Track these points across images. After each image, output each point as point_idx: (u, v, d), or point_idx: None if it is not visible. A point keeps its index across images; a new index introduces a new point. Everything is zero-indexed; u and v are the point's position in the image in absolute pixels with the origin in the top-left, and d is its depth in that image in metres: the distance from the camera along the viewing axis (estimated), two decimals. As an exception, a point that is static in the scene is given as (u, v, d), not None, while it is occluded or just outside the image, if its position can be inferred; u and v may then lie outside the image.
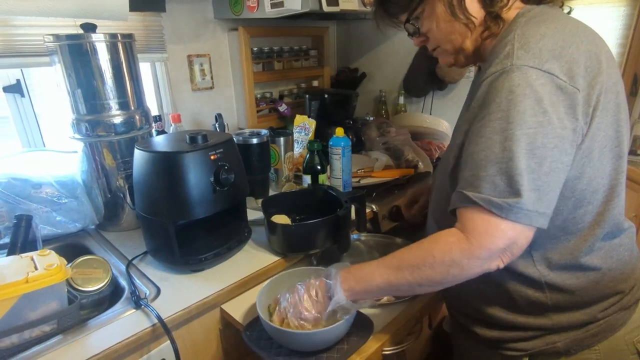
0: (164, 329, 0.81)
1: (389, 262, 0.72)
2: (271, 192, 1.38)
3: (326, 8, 1.33)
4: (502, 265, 0.66)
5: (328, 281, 0.77)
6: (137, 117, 1.16)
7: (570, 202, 0.70)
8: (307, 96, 1.82)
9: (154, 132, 1.31)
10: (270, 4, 1.39)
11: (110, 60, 1.07)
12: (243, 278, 0.97)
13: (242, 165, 1.05)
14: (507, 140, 0.61)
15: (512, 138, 0.61)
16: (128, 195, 1.20)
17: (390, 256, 0.73)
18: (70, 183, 1.16)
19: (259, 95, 1.87)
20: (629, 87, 1.63)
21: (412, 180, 1.50)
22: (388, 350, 0.86)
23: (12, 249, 0.95)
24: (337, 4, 1.36)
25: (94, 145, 1.13)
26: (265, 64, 1.85)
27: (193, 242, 1.02)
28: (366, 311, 0.89)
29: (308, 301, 0.77)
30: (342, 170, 1.32)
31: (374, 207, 1.31)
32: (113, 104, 1.11)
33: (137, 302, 0.86)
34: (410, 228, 1.22)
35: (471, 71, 1.76)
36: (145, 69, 1.55)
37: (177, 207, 0.93)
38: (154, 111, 1.48)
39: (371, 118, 1.92)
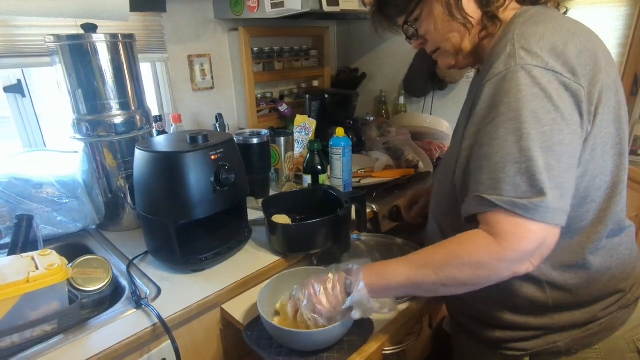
0: (164, 328, 0.81)
1: (413, 260, 0.71)
2: (271, 192, 1.38)
3: (326, 8, 1.33)
4: (531, 269, 0.64)
5: (348, 277, 0.75)
6: (138, 117, 1.17)
7: (575, 199, 0.69)
8: (307, 96, 1.83)
9: (154, 132, 1.31)
10: (271, 4, 1.39)
11: (111, 60, 1.08)
12: (243, 278, 0.97)
13: (243, 165, 1.05)
14: (523, 139, 0.61)
15: (528, 137, 0.61)
16: (129, 195, 1.20)
17: (415, 254, 0.72)
18: (71, 183, 1.16)
19: (259, 95, 1.88)
20: (630, 87, 1.63)
21: (413, 180, 1.51)
22: (388, 350, 0.86)
23: (13, 249, 0.95)
24: (337, 4, 1.36)
25: (94, 145, 1.13)
26: (265, 64, 1.85)
27: (194, 242, 1.02)
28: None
29: (324, 295, 0.75)
30: (342, 170, 1.32)
31: (374, 207, 1.31)
32: (114, 104, 1.11)
33: (138, 301, 0.86)
34: (410, 228, 1.22)
35: (471, 71, 1.76)
36: (145, 69, 1.56)
37: (178, 207, 0.93)
38: (154, 111, 1.48)
39: (371, 118, 1.92)
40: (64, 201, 1.13)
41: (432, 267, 0.68)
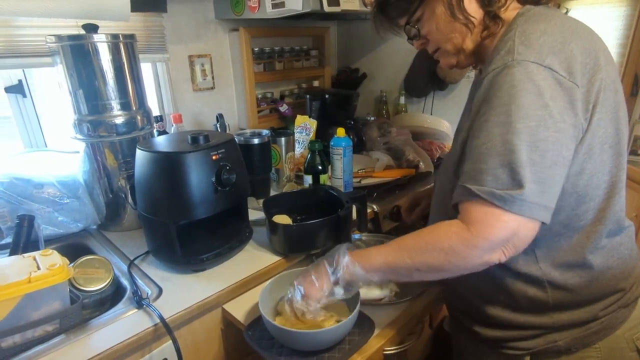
0: (165, 328, 0.81)
1: (391, 245, 0.74)
2: (272, 192, 1.38)
3: (327, 8, 1.33)
4: (503, 259, 0.66)
5: (330, 259, 0.78)
6: (139, 117, 1.17)
7: (572, 198, 0.70)
8: (308, 96, 1.83)
9: (155, 132, 1.31)
10: (272, 4, 1.40)
11: (112, 60, 1.08)
12: (244, 278, 0.98)
13: (244, 165, 1.05)
14: (509, 133, 0.62)
15: (514, 131, 0.61)
16: (129, 195, 1.20)
17: (394, 240, 0.75)
18: (72, 183, 1.16)
19: (259, 96, 1.88)
20: (630, 87, 1.63)
21: (413, 181, 1.51)
22: (389, 350, 0.86)
23: (15, 249, 0.95)
24: (338, 4, 1.36)
25: (95, 145, 1.14)
26: (266, 64, 1.85)
27: (194, 242, 1.02)
28: (367, 311, 0.89)
29: (309, 279, 0.78)
30: (343, 170, 1.32)
31: (375, 207, 1.31)
32: (115, 104, 1.11)
33: (139, 302, 0.86)
34: (411, 228, 1.22)
35: (472, 71, 1.76)
36: (146, 69, 1.56)
37: (179, 207, 0.93)
38: (155, 111, 1.48)
39: (372, 118, 1.92)
40: (65, 201, 1.13)
41: (407, 251, 0.71)
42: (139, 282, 0.96)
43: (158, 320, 0.82)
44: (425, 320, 1.04)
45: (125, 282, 0.97)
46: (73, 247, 1.14)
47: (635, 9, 1.55)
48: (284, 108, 1.87)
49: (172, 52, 1.56)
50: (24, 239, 0.97)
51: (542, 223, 0.64)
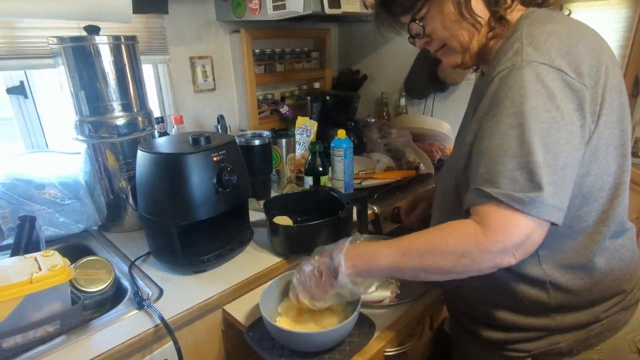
0: (166, 329, 0.81)
1: (398, 244, 0.72)
2: (273, 194, 1.38)
3: (328, 10, 1.33)
4: (513, 262, 0.65)
5: (331, 260, 0.76)
6: (140, 118, 1.17)
7: (577, 199, 0.70)
8: (308, 98, 1.83)
9: (156, 133, 1.31)
10: (273, 6, 1.40)
11: (114, 62, 1.08)
12: (245, 279, 0.98)
13: (245, 166, 1.05)
14: (524, 134, 0.61)
15: (529, 132, 0.61)
16: (130, 197, 1.20)
17: (401, 238, 0.73)
18: (73, 184, 1.16)
19: (260, 97, 1.88)
20: (631, 89, 1.64)
21: (414, 182, 1.51)
22: (390, 352, 0.86)
23: (16, 250, 0.95)
24: (339, 6, 1.37)
25: (96, 146, 1.14)
26: (267, 65, 1.85)
27: (195, 243, 1.02)
28: (368, 312, 0.89)
29: (313, 280, 0.78)
30: (343, 171, 1.33)
31: (375, 208, 1.31)
32: (116, 105, 1.11)
33: (140, 302, 0.86)
34: (411, 229, 1.22)
35: (472, 73, 1.76)
36: (147, 70, 1.56)
37: (180, 208, 0.93)
38: (156, 112, 1.49)
39: (372, 120, 1.93)
40: (66, 202, 1.13)
41: (417, 252, 0.69)
42: (140, 283, 0.96)
43: (159, 321, 0.82)
44: (425, 322, 1.04)
45: (126, 283, 0.98)
46: (74, 248, 1.14)
47: (635, 11, 1.55)
48: (284, 109, 1.87)
49: (173, 53, 1.56)
50: (26, 240, 0.97)
51: (552, 224, 0.64)
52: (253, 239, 1.13)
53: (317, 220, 1.01)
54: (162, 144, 1.01)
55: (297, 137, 1.53)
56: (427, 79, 1.83)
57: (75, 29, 1.25)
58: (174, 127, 1.44)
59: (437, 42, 0.80)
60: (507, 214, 0.62)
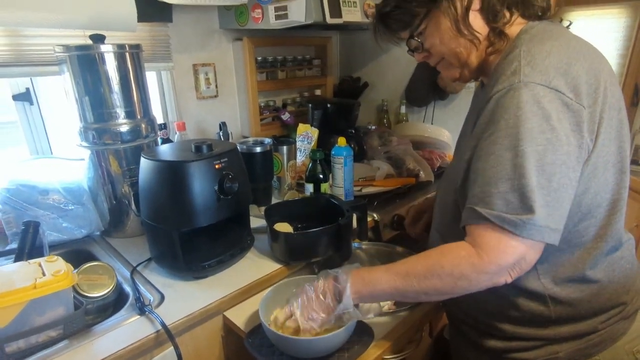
0: (167, 335, 0.82)
1: (397, 269, 0.73)
2: (274, 200, 1.39)
3: (329, 20, 1.35)
4: (509, 280, 0.66)
5: (337, 284, 0.77)
6: (143, 125, 1.18)
7: (576, 216, 0.71)
8: (310, 105, 1.84)
9: (159, 140, 1.32)
10: (275, 15, 1.42)
11: (118, 69, 1.10)
12: (246, 285, 0.98)
13: (246, 174, 1.06)
14: (518, 157, 0.62)
15: (523, 155, 0.62)
16: (133, 203, 1.22)
17: (400, 263, 0.74)
18: (76, 190, 1.17)
19: (262, 104, 1.90)
20: (630, 97, 1.65)
21: (414, 190, 1.51)
22: (389, 359, 0.87)
23: (20, 255, 0.96)
24: (340, 16, 1.38)
25: (100, 152, 1.15)
26: (269, 73, 1.87)
27: (197, 249, 1.03)
28: (367, 319, 0.89)
29: (316, 302, 0.77)
30: (344, 179, 1.34)
31: (375, 215, 1.32)
32: (120, 112, 1.13)
33: (142, 308, 0.87)
34: (411, 237, 1.22)
35: (472, 82, 1.77)
36: (151, 77, 1.58)
37: (182, 215, 0.94)
38: (159, 119, 1.50)
39: (373, 127, 1.93)
40: (70, 208, 1.15)
41: (416, 277, 0.70)
42: (142, 288, 0.97)
43: (160, 327, 0.83)
44: (424, 329, 1.04)
45: (127, 289, 0.98)
46: (76, 253, 1.15)
47: (635, 20, 1.57)
48: (286, 116, 1.88)
49: (176, 61, 1.58)
50: (29, 245, 0.98)
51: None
52: (254, 245, 1.14)
53: (317, 227, 1.02)
54: (165, 151, 1.02)
55: (299, 144, 1.54)
56: (428, 87, 1.85)
57: (80, 37, 1.27)
58: (176, 133, 1.45)
59: (436, 57, 0.81)
60: (499, 236, 0.64)
